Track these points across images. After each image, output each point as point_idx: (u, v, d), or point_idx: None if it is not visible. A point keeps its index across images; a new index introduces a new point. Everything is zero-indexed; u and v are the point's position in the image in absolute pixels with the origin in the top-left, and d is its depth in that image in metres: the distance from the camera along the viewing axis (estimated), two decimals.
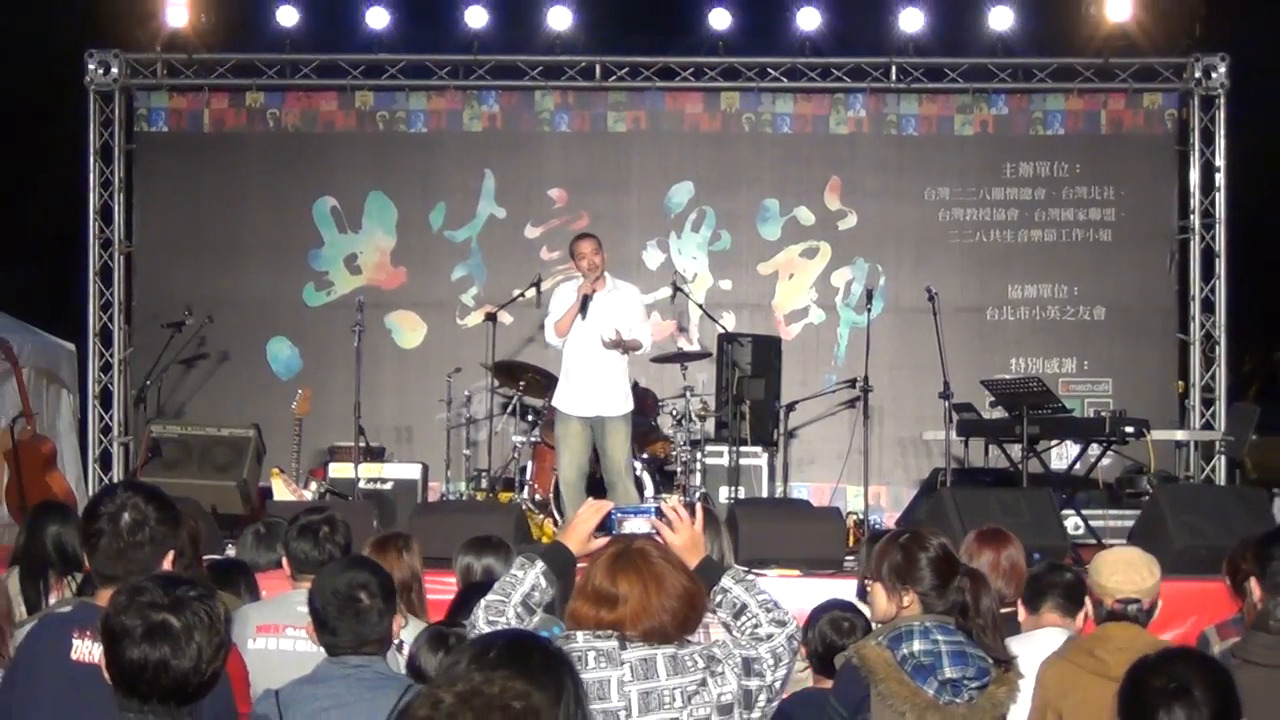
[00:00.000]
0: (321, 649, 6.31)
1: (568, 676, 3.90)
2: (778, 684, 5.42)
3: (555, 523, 14.27)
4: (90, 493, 17.79)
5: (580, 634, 5.23)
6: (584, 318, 13.94)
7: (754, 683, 5.36)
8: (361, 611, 6.09)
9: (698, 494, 15.53)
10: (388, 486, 15.98)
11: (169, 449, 16.16)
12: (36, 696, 5.89)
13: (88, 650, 5.59)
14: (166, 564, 5.85)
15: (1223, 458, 19.04)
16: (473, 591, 7.22)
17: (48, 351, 17.23)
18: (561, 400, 14.31)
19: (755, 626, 5.45)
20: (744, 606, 5.51)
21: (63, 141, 23.63)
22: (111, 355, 19.59)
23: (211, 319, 18.83)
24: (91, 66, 19.68)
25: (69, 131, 21.32)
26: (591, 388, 14.11)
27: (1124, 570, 6.91)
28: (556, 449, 14.42)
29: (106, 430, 19.54)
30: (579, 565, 5.66)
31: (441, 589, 10.06)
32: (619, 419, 14.22)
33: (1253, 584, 6.60)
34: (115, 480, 18.66)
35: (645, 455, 15.46)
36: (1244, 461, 18.55)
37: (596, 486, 14.35)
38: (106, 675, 4.78)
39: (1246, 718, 5.01)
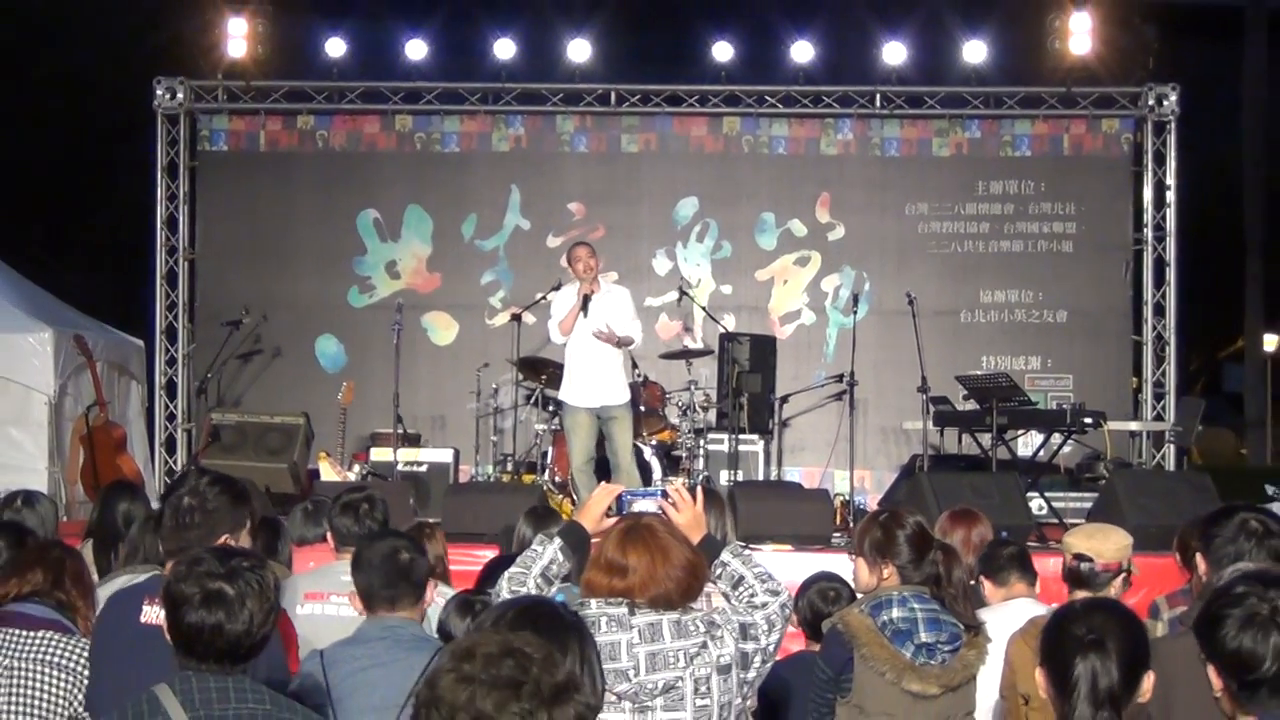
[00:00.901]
0: (361, 614, 6.34)
1: (578, 637, 3.89)
2: (771, 647, 5.40)
3: (573, 502, 14.25)
4: (156, 474, 17.85)
5: (594, 601, 5.23)
6: (585, 316, 13.99)
7: (750, 645, 5.35)
8: (400, 565, 6.17)
9: (701, 477, 15.53)
10: (423, 469, 16.00)
11: (227, 435, 16.18)
12: (111, 653, 6.01)
13: (155, 614, 5.63)
14: (234, 540, 5.87)
15: (1172, 446, 19.02)
16: (499, 565, 7.22)
17: (119, 347, 17.23)
18: (568, 394, 14.35)
19: (751, 596, 5.43)
20: (741, 578, 5.50)
21: (133, 160, 23.66)
22: (176, 351, 19.60)
23: (266, 318, 19.00)
24: (159, 92, 19.67)
25: (138, 151, 21.39)
26: (595, 381, 14.15)
27: (1096, 537, 6.91)
28: (567, 438, 14.46)
29: (171, 418, 19.56)
30: (593, 541, 5.65)
31: (469, 561, 10.10)
32: (621, 407, 14.27)
33: (1199, 559, 6.60)
34: (179, 462, 18.69)
35: (654, 442, 15.46)
36: (1191, 449, 18.57)
37: (603, 468, 14.42)
38: (168, 636, 4.80)
39: (1191, 678, 5.01)
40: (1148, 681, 4.59)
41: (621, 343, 14.15)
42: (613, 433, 14.21)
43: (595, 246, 14.60)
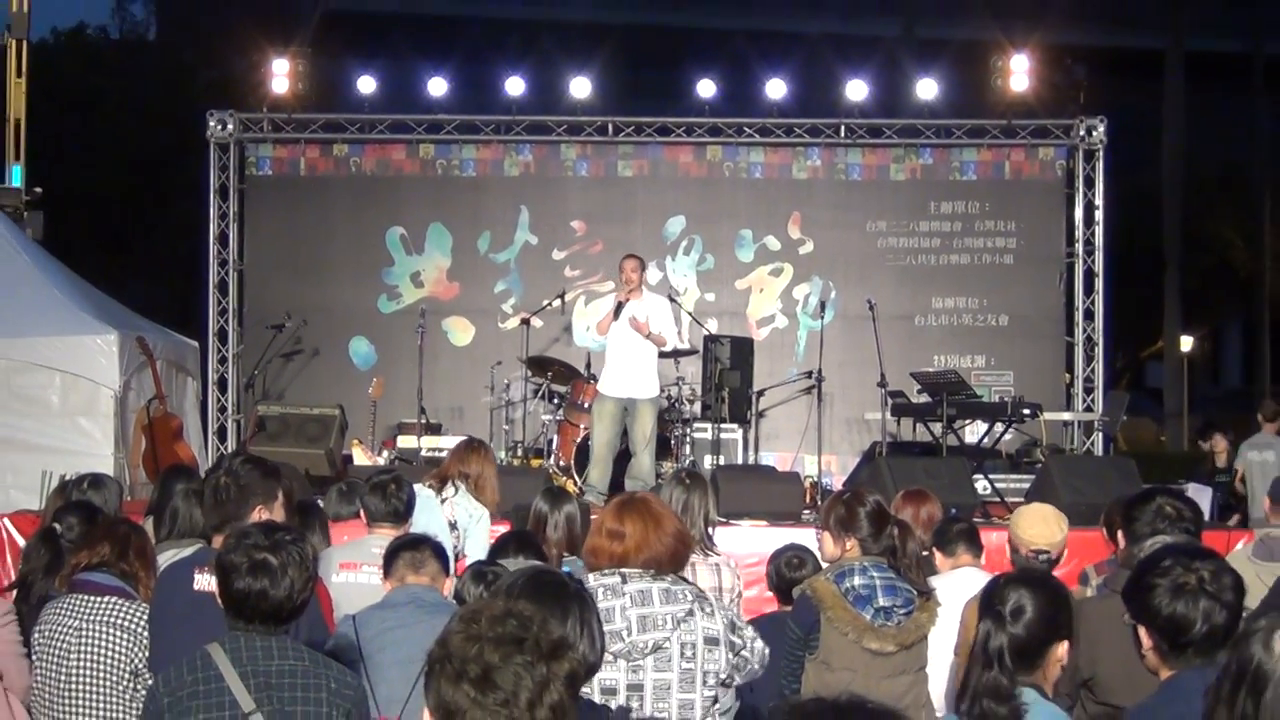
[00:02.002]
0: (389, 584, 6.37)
1: (579, 603, 3.90)
2: (750, 665, 5.46)
3: (575, 484, 14.25)
4: (209, 459, 17.81)
5: (590, 576, 5.24)
6: (617, 319, 14.05)
7: (736, 640, 5.42)
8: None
9: (688, 461, 15.52)
10: (443, 454, 15.95)
11: (272, 425, 16.15)
12: (168, 617, 6.08)
13: (206, 582, 5.70)
14: (267, 514, 5.90)
15: (1100, 434, 19.03)
16: (510, 539, 7.22)
17: (176, 348, 17.20)
18: (603, 385, 14.47)
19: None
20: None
21: (189, 183, 23.65)
22: (226, 351, 19.59)
23: (305, 322, 18.99)
24: (212, 124, 19.65)
25: (194, 175, 21.42)
26: (625, 376, 14.21)
27: (1040, 525, 6.92)
28: (593, 422, 14.48)
29: (223, 410, 19.54)
30: (592, 516, 5.67)
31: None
32: (647, 401, 14.28)
33: (1120, 536, 6.62)
34: (229, 449, 18.66)
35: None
36: (1117, 437, 18.61)
37: (622, 457, 14.47)
38: (219, 601, 4.82)
39: (1114, 635, 5.02)
40: (1060, 649, 4.61)
41: (652, 337, 14.15)
42: (633, 423, 14.26)
43: (632, 260, 14.52)
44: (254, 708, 4.61)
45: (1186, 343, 40.10)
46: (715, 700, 5.32)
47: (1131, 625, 4.50)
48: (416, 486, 8.26)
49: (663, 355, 16.10)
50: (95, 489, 8.45)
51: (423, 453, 15.84)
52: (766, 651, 5.57)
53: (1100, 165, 19.51)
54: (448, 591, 6.34)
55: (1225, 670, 3.55)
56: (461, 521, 8.76)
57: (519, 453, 16.82)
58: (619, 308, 14.10)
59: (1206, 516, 14.47)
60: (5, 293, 15.24)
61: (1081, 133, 19.52)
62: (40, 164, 20.95)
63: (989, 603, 4.63)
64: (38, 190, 19.57)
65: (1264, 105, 41.26)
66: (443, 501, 8.96)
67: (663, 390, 16.24)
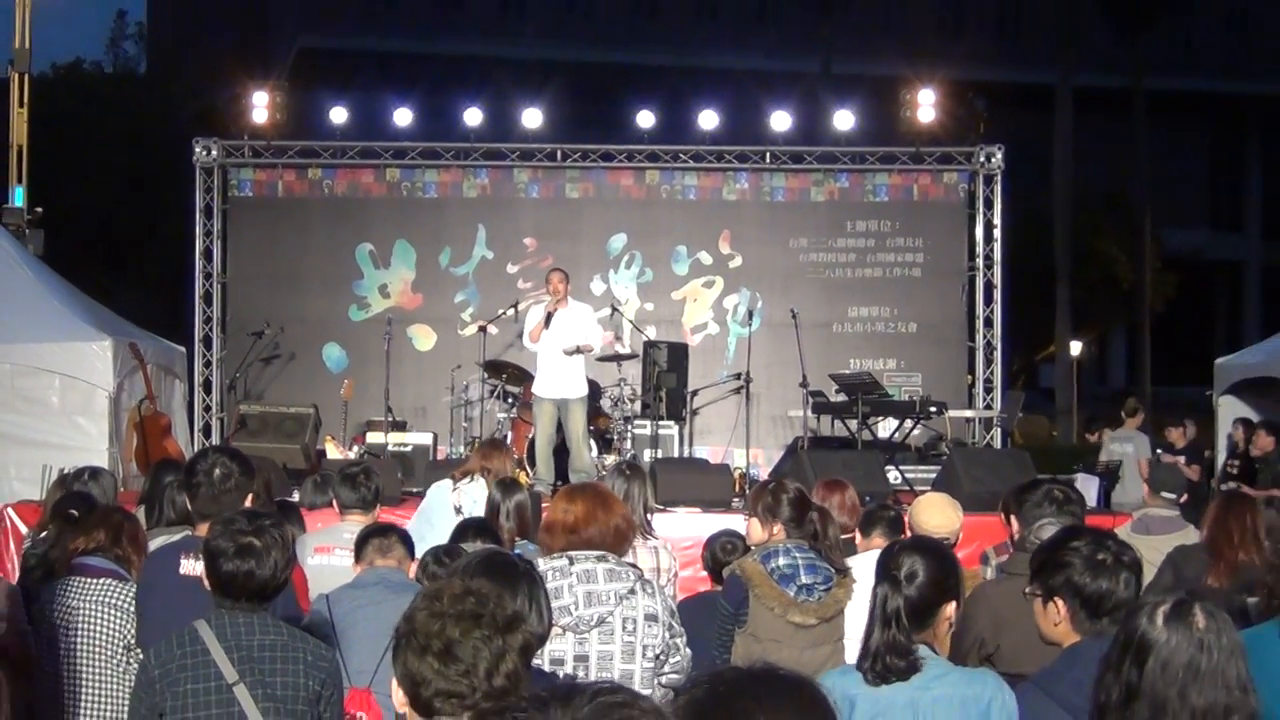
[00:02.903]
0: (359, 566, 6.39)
1: (528, 581, 3.92)
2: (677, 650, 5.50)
3: (528, 475, 14.23)
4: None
5: (541, 561, 5.24)
6: (548, 328, 14.03)
7: (675, 626, 5.47)
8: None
9: (629, 454, 15.53)
10: (408, 449, 15.93)
11: (252, 422, 16.10)
12: (155, 597, 6.07)
13: (191, 566, 5.72)
14: (246, 504, 5.92)
15: (998, 429, 19.13)
16: (468, 525, 7.21)
17: (165, 353, 17.11)
18: (537, 388, 14.46)
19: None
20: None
21: (176, 204, 23.51)
22: (211, 355, 19.48)
23: (283, 330, 18.96)
24: (198, 150, 19.56)
25: (181, 196, 21.34)
26: (557, 378, 14.20)
27: (937, 514, 6.94)
28: (534, 422, 14.50)
29: (208, 409, 19.43)
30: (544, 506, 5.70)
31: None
32: (578, 400, 14.28)
33: (1013, 519, 6.66)
34: (212, 445, 18.56)
35: (591, 427, 15.44)
36: (1013, 432, 18.71)
37: (561, 449, 14.46)
38: (206, 583, 4.85)
39: (1015, 615, 5.06)
40: (949, 609, 4.67)
41: (583, 350, 14.20)
42: (567, 420, 14.27)
43: (557, 273, 14.58)
44: (237, 678, 4.62)
45: (1076, 347, 40.38)
46: (654, 672, 5.33)
47: (1036, 597, 4.52)
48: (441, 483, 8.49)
49: (604, 359, 16.13)
50: (93, 480, 8.46)
51: (389, 448, 15.81)
52: (689, 655, 5.58)
53: (998, 188, 19.64)
54: (413, 573, 6.35)
55: (1115, 640, 3.59)
56: (466, 507, 8.75)
57: (476, 448, 16.79)
58: (549, 317, 14.13)
59: (1093, 503, 14.64)
60: (9, 303, 15.17)
61: (981, 159, 19.64)
62: (41, 186, 20.78)
63: (885, 568, 4.65)
64: (38, 210, 19.45)
65: (1144, 134, 41.59)
66: (454, 490, 9.03)
67: (602, 391, 16.28)
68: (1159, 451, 17.53)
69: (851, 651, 6.86)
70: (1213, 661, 3.41)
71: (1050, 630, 4.50)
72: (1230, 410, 17.93)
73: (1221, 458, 17.13)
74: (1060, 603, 4.42)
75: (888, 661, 4.44)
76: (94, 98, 40.26)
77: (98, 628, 6.32)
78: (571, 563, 5.30)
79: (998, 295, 19.62)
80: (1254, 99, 50.72)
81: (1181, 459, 16.71)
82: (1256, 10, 50.21)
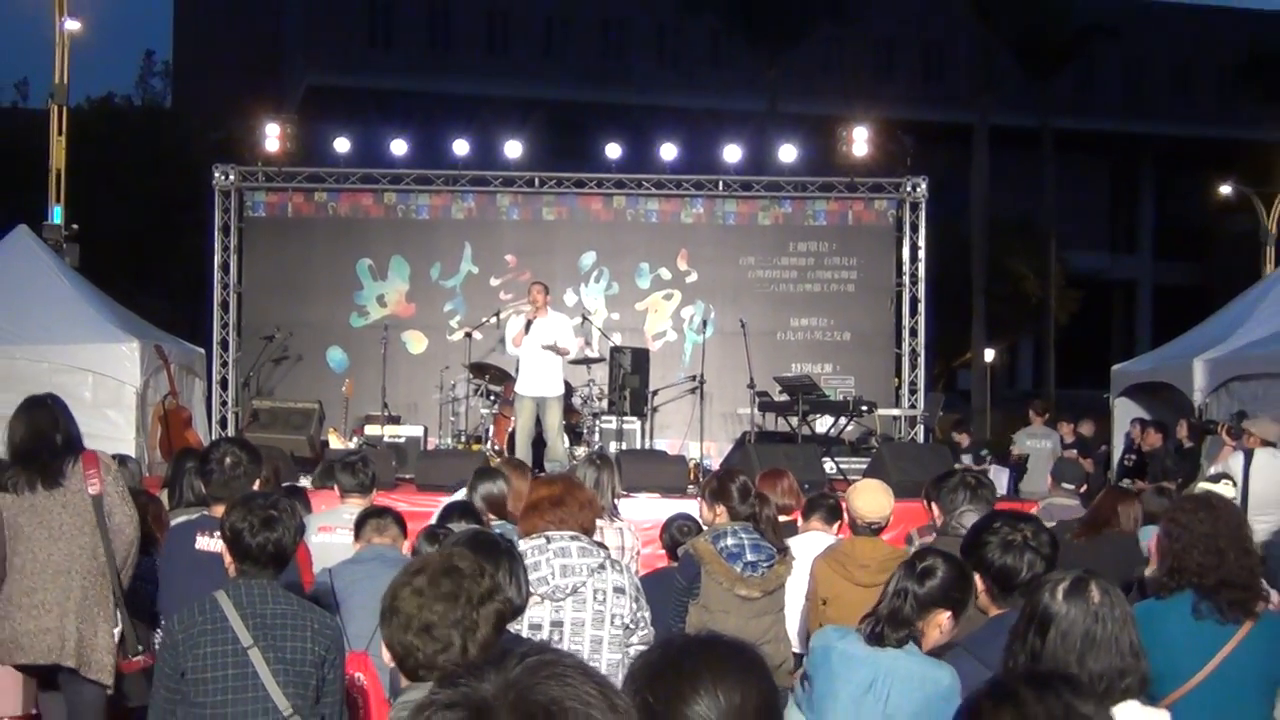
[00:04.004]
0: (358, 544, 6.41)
1: (508, 557, 3.94)
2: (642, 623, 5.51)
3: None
4: None
5: (522, 542, 5.26)
6: (528, 334, 14.06)
7: (641, 601, 5.50)
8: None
9: (597, 446, 15.55)
10: (401, 440, 15.90)
11: (264, 416, 16.05)
12: (174, 571, 6.09)
13: (207, 543, 5.74)
14: (255, 487, 5.94)
15: (921, 426, 19.20)
16: (454, 507, 7.22)
17: (186, 354, 17.07)
18: (518, 387, 14.50)
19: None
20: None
21: (198, 222, 23.42)
22: (228, 356, 19.40)
23: (291, 334, 18.93)
24: (217, 175, 19.50)
25: (201, 216, 21.28)
26: (536, 379, 14.23)
27: (871, 500, 6.96)
28: (515, 417, 14.51)
29: (224, 403, 19.35)
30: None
31: (434, 504, 10.04)
32: (554, 398, 14.33)
33: (934, 505, 6.70)
34: (225, 436, 18.49)
35: (565, 422, 15.45)
36: (934, 429, 18.75)
37: (538, 441, 14.47)
38: (228, 555, 4.87)
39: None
40: (943, 615, 4.69)
41: (560, 352, 14.25)
42: (544, 415, 14.30)
43: (538, 286, 14.71)
44: (251, 643, 4.63)
45: (989, 354, 40.53)
46: (622, 639, 5.35)
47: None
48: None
49: (575, 362, 16.13)
50: (121, 467, 8.40)
51: (385, 439, 15.78)
52: (653, 631, 5.59)
53: (922, 214, 19.69)
54: (406, 550, 6.36)
55: (1021, 613, 3.63)
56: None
57: (462, 439, 16.78)
58: (529, 324, 14.18)
59: (1003, 491, 14.75)
60: (48, 309, 15.15)
61: (908, 189, 19.71)
62: (77, 206, 20.67)
63: (914, 561, 4.61)
64: (74, 227, 19.37)
65: (1051, 168, 41.80)
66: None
67: (574, 390, 16.29)
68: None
69: (790, 621, 6.92)
70: (1106, 631, 3.45)
71: (980, 600, 4.57)
72: (1125, 411, 18.06)
73: (1118, 453, 17.25)
74: (980, 577, 4.50)
75: (883, 629, 4.44)
76: (124, 128, 40.07)
77: None
78: (549, 541, 5.34)
79: (921, 308, 19.68)
80: (1147, 137, 51.09)
81: (1074, 451, 16.80)
82: (1149, 59, 50.54)
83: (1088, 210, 51.32)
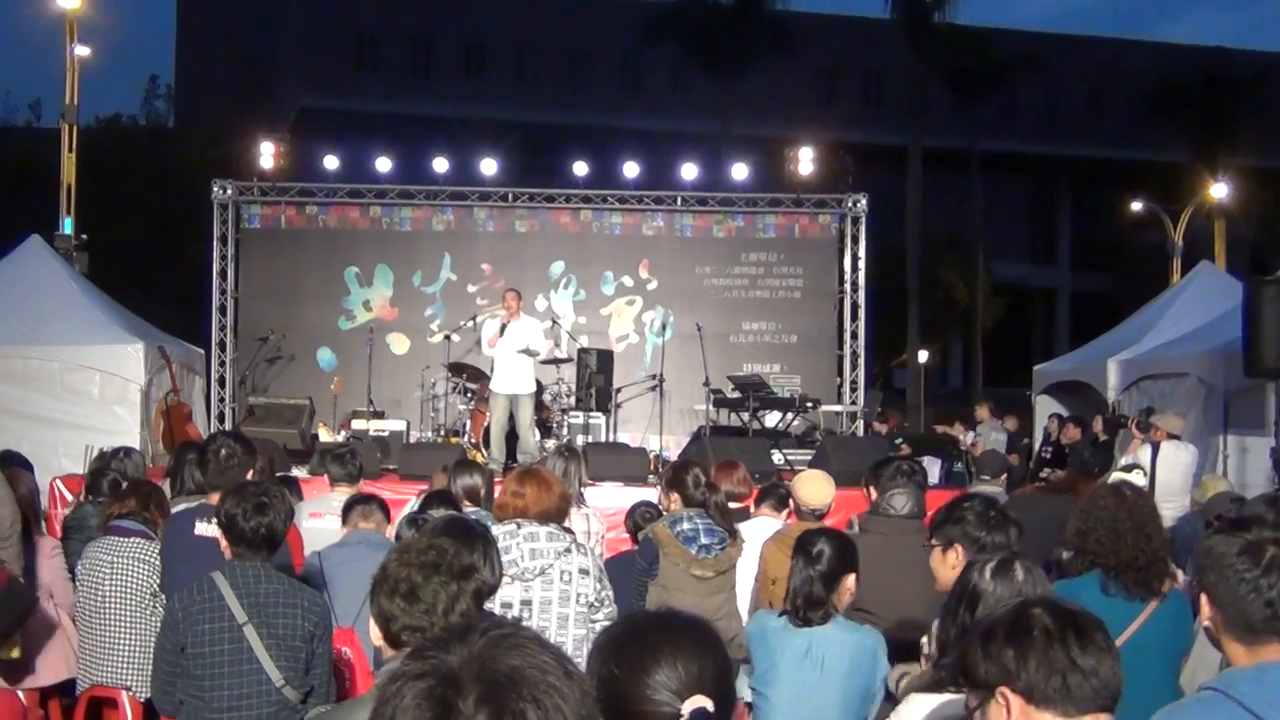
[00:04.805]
0: (345, 529, 6.39)
1: (483, 541, 3.95)
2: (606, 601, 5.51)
3: (483, 455, 14.20)
4: None
5: (495, 527, 5.26)
6: (503, 336, 14.07)
7: (604, 581, 5.50)
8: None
9: (566, 439, 15.54)
10: (385, 434, 15.87)
11: (259, 411, 16.01)
12: (175, 554, 6.07)
13: (204, 529, 5.71)
14: (248, 476, 5.93)
15: (861, 421, 19.27)
16: (434, 495, 7.20)
17: (187, 354, 16.99)
18: (493, 384, 14.47)
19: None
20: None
21: (197, 233, 23.29)
22: (225, 356, 19.29)
23: (284, 336, 18.83)
24: (215, 189, 19.40)
25: (201, 227, 21.13)
26: (510, 377, 14.23)
27: (814, 488, 6.99)
28: (490, 413, 14.48)
29: (222, 400, 19.23)
30: (497, 483, 5.70)
31: (414, 492, 10.01)
32: (526, 396, 14.35)
33: (872, 490, 6.74)
34: (222, 430, 18.40)
35: (537, 418, 15.44)
36: (872, 424, 18.81)
37: (511, 435, 14.46)
38: (224, 540, 4.86)
39: (868, 565, 5.15)
40: (850, 579, 4.78)
41: (531, 354, 14.23)
42: (517, 411, 14.30)
43: (512, 292, 14.68)
44: (246, 620, 4.64)
45: (923, 355, 40.73)
46: (586, 616, 5.36)
47: (935, 547, 4.59)
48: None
49: (546, 362, 16.13)
50: (127, 458, 8.44)
51: (371, 432, 15.74)
52: (615, 610, 5.60)
53: (862, 228, 19.76)
54: (390, 534, 6.35)
55: (952, 591, 3.65)
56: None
57: (442, 433, 16.73)
58: (504, 328, 14.17)
59: (934, 480, 14.81)
60: (59, 313, 15.09)
61: (849, 204, 19.77)
62: (86, 218, 20.59)
63: (802, 547, 4.90)
64: (84, 237, 19.36)
65: (978, 186, 42.07)
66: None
67: (544, 388, 16.28)
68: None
69: (742, 599, 6.93)
70: None
71: (947, 574, 4.48)
72: (1045, 407, 18.21)
73: (1038, 445, 17.36)
74: (960, 549, 4.48)
75: (806, 611, 4.72)
76: (130, 146, 39.88)
77: (130, 578, 6.30)
78: (519, 527, 5.35)
79: (861, 313, 19.74)
80: (1065, 158, 51.43)
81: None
82: (1067, 88, 50.86)
83: (1011, 225, 51.66)
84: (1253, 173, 40.06)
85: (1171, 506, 10.15)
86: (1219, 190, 36.97)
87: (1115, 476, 8.67)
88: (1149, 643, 4.62)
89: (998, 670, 2.52)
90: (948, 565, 4.51)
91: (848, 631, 4.72)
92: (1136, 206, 36.66)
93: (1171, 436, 11.60)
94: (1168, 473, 11.01)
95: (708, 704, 2.20)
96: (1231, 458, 13.08)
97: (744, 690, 4.99)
